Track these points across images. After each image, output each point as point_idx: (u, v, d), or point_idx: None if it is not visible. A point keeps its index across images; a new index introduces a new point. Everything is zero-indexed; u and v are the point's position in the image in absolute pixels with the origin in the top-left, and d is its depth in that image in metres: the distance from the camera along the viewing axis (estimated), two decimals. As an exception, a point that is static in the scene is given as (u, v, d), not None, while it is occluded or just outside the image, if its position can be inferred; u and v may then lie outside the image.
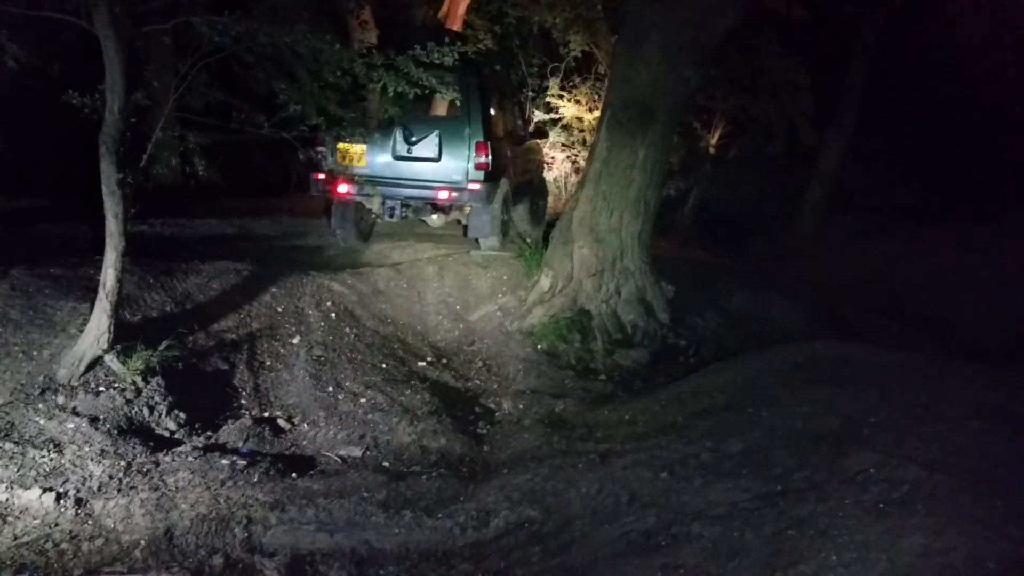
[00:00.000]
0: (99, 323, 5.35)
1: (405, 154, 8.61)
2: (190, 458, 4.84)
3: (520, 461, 5.22)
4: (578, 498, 4.50)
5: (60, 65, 5.98)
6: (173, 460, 4.79)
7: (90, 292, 5.83)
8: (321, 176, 8.56)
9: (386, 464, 5.28)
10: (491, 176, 8.59)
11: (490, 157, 8.51)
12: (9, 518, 4.13)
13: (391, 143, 8.57)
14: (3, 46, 5.29)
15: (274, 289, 7.14)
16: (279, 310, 6.91)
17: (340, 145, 8.44)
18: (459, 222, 9.62)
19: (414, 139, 8.57)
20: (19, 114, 9.32)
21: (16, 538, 4.00)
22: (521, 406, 6.35)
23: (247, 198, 11.81)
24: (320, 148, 8.32)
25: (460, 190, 8.52)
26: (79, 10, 5.07)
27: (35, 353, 5.39)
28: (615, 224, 7.92)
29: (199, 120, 5.99)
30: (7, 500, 4.23)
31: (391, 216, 8.82)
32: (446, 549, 4.25)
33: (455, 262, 8.54)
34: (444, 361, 7.15)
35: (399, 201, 8.72)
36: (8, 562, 3.76)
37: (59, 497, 4.27)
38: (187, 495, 4.46)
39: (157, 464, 4.71)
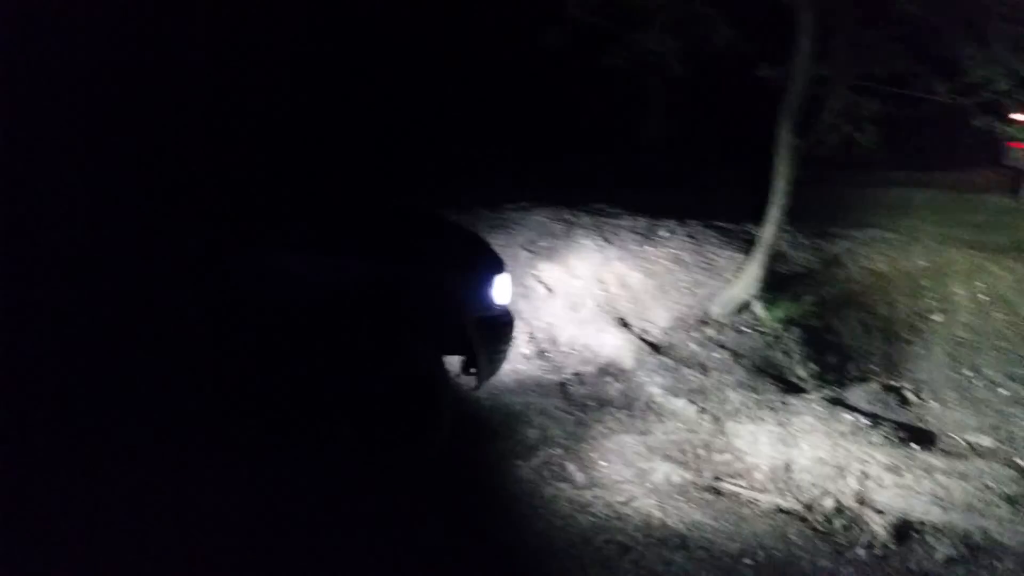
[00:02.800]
0: (752, 272, 6.02)
1: None
2: (815, 406, 5.17)
3: None
4: None
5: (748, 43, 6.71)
6: (800, 404, 5.18)
7: (747, 244, 6.54)
8: (1020, 144, 7.98)
9: (1019, 461, 4.84)
10: None
11: None
12: (663, 416, 5.05)
13: None
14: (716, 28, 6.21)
15: (922, 263, 6.96)
16: (923, 284, 6.72)
17: None
18: None
19: None
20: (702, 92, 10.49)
21: (666, 433, 4.88)
22: None
23: (907, 170, 11.43)
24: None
25: None
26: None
27: (696, 290, 6.34)
28: None
29: (875, 87, 6.11)
30: (662, 403, 5.16)
31: None
32: (1082, 567, 3.78)
33: None
34: (1119, 369, 6.07)
35: None
36: (657, 449, 4.62)
37: (701, 411, 5.04)
38: (808, 438, 4.80)
39: (785, 404, 5.16)
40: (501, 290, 3.64)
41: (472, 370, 3.72)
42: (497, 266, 3.71)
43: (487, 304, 3.59)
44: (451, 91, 10.35)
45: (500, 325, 3.68)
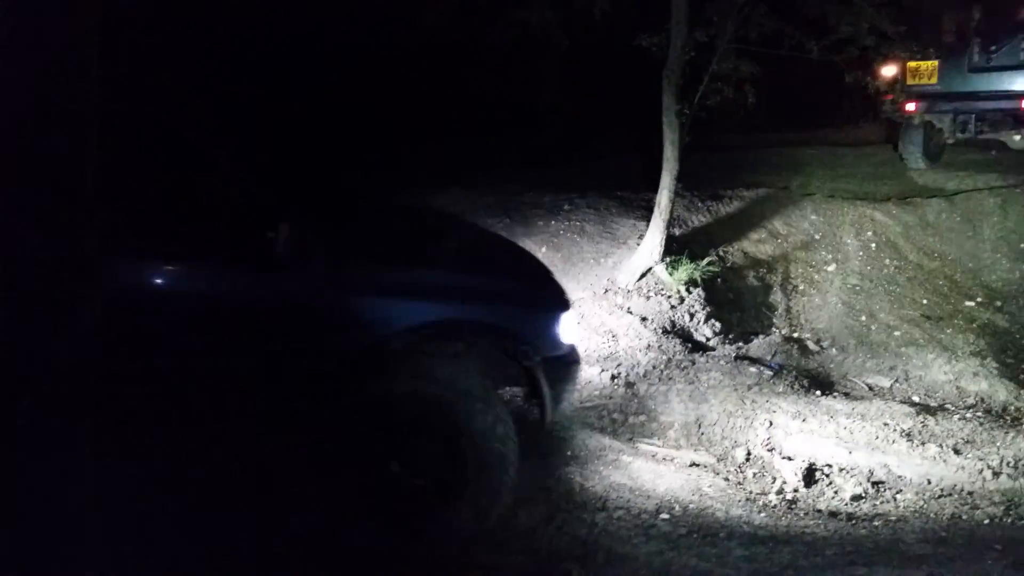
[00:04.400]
0: (653, 238, 6.14)
1: (984, 64, 7.89)
2: (722, 362, 5.33)
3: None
4: None
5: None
6: (707, 362, 5.33)
7: (647, 211, 6.65)
8: (890, 96, 8.36)
9: (915, 398, 5.10)
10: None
11: None
12: (578, 386, 5.08)
13: (966, 55, 7.93)
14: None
15: (813, 216, 7.22)
16: (816, 237, 6.99)
17: (910, 64, 8.11)
18: None
19: (994, 48, 7.79)
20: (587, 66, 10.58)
21: (581, 402, 4.92)
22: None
23: (795, 129, 11.82)
24: (890, 68, 8.06)
25: None
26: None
27: (602, 260, 6.42)
28: None
29: (752, 50, 6.27)
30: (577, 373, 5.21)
31: (963, 132, 8.25)
32: (972, 490, 4.02)
33: (1024, 195, 7.55)
34: (998, 304, 6.47)
35: (973, 115, 8.10)
36: (575, 419, 4.67)
37: (613, 377, 5.12)
38: (717, 393, 4.94)
39: (693, 363, 5.29)
40: (568, 328, 3.30)
41: (535, 401, 3.34)
42: (564, 302, 3.33)
43: (554, 344, 3.21)
44: (348, 78, 10.12)
45: (567, 365, 3.32)
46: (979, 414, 4.78)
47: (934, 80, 8.10)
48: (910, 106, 8.25)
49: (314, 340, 2.82)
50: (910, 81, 8.22)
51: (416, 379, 2.96)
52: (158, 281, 2.81)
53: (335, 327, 2.82)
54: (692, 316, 5.85)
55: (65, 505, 1.77)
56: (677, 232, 6.64)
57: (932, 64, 8.03)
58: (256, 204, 2.78)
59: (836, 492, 4.09)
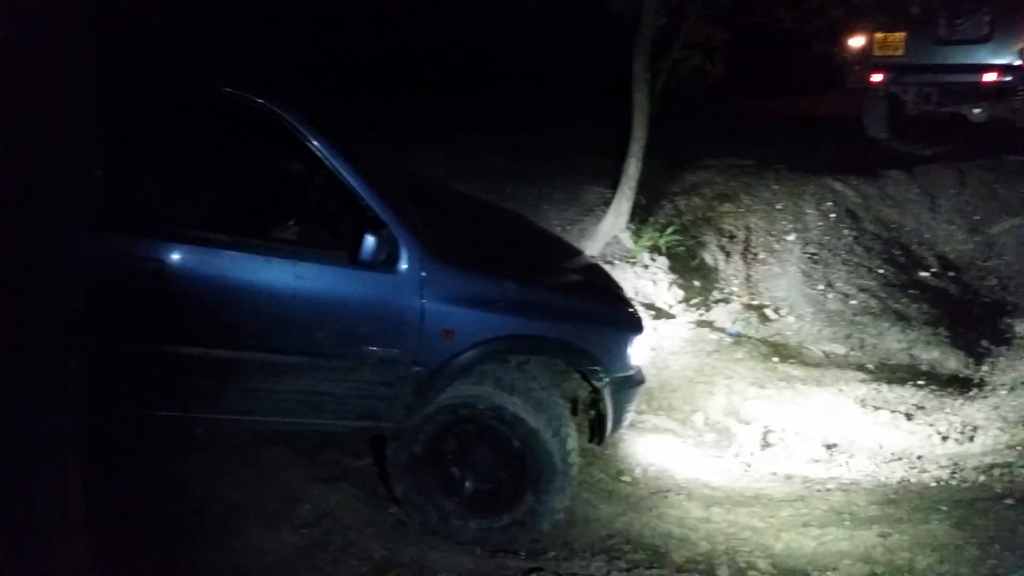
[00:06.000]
0: (619, 206, 6.18)
1: (949, 37, 8.00)
2: (683, 330, 5.43)
3: (1025, 385, 4.76)
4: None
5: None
6: (669, 329, 5.42)
7: (616, 180, 6.68)
8: (857, 67, 8.46)
9: (869, 365, 5.25)
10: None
11: None
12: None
13: (934, 27, 8.04)
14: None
15: (775, 186, 7.30)
16: (778, 207, 7.07)
17: (878, 35, 8.19)
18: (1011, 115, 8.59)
19: (959, 20, 7.90)
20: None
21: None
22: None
23: (761, 99, 11.91)
24: (858, 39, 8.13)
25: (1013, 71, 7.60)
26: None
27: (568, 227, 6.45)
28: None
29: (723, 16, 6.27)
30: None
31: (926, 104, 8.36)
32: (922, 454, 4.17)
33: (980, 168, 7.69)
34: (951, 274, 6.63)
35: (936, 87, 8.21)
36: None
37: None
38: (678, 359, 5.06)
39: (656, 329, 5.37)
40: (638, 351, 3.32)
41: (596, 418, 3.37)
42: (637, 325, 3.35)
43: (624, 365, 3.24)
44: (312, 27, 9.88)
45: (632, 387, 3.32)
46: (930, 382, 4.94)
47: (901, 52, 8.18)
48: (876, 77, 8.34)
49: (386, 341, 2.86)
50: (877, 52, 8.31)
51: (486, 391, 3.02)
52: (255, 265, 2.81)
53: (410, 332, 2.84)
54: (655, 283, 5.92)
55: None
56: (643, 200, 6.68)
57: (900, 36, 8.11)
58: (359, 204, 2.81)
59: (791, 456, 4.22)
